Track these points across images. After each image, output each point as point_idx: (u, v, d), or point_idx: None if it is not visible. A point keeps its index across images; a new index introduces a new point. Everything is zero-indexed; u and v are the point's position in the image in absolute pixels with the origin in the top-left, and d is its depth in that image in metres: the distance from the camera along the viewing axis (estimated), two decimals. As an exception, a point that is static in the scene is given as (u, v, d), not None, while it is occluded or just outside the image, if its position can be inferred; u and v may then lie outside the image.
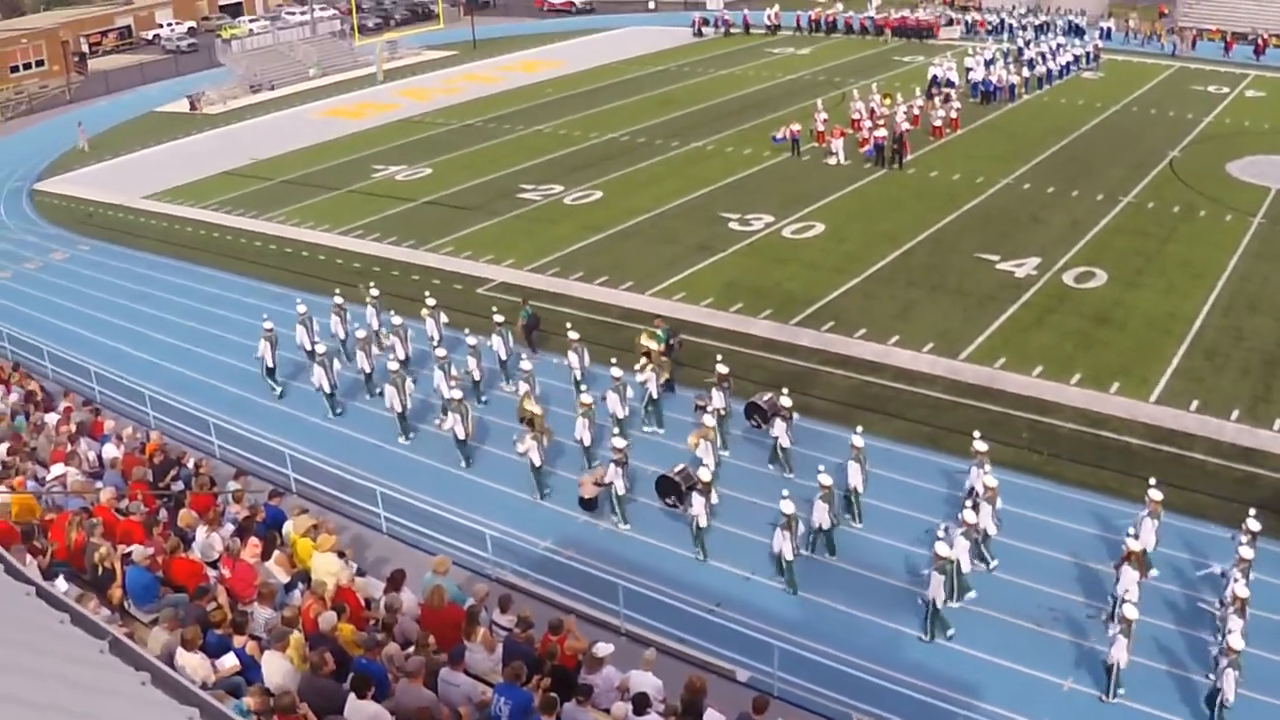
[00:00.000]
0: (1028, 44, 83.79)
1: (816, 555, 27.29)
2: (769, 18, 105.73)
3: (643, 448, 32.02)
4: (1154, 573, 25.42)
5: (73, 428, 30.63)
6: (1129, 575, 23.60)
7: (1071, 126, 63.79)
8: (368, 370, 36.77)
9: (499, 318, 36.95)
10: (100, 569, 21.00)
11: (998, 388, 34.44)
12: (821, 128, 61.74)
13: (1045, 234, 46.64)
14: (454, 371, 34.27)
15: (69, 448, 28.78)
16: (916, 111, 63.28)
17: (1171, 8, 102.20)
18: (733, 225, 50.11)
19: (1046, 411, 32.92)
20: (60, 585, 18.61)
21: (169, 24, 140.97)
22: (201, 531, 23.57)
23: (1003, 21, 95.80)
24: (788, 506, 25.68)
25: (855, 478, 28.17)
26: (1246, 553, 23.71)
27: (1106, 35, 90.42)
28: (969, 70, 73.89)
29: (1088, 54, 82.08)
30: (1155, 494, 25.62)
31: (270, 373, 37.87)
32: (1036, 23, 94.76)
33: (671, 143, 66.01)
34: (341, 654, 18.19)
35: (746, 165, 60.21)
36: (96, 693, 9.50)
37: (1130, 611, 22.07)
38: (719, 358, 33.43)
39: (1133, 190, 51.68)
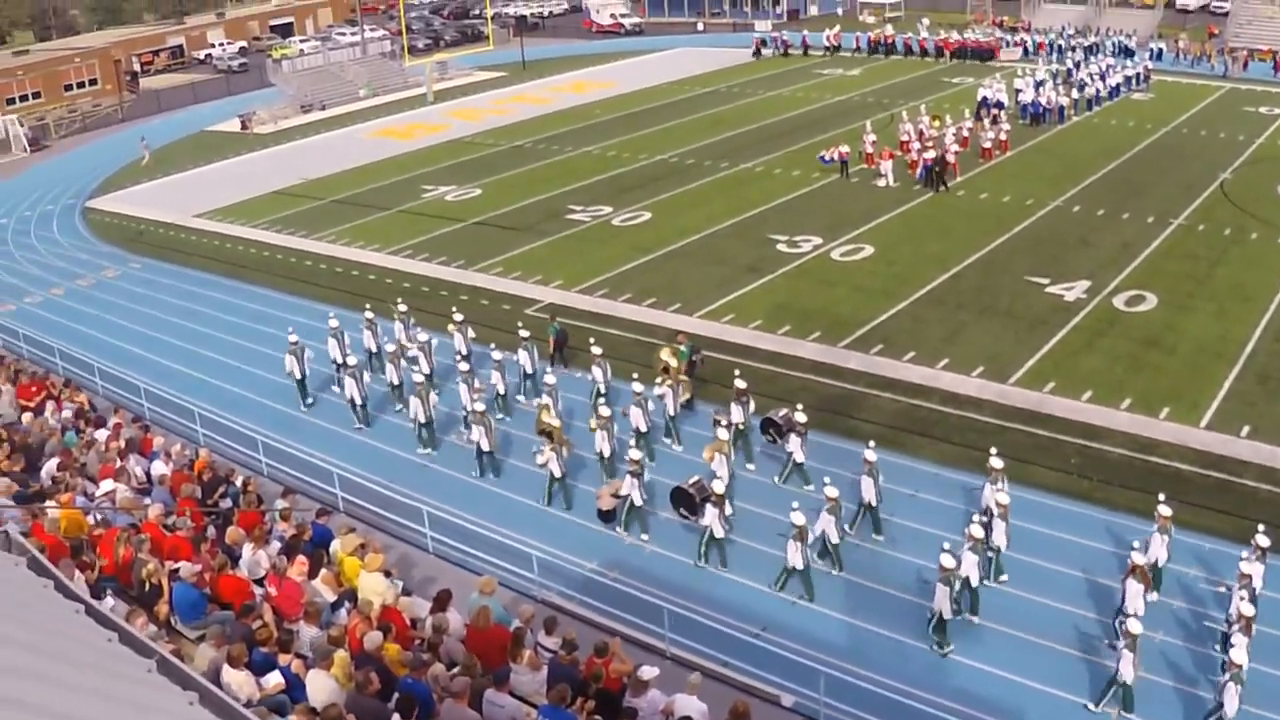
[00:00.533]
0: (1077, 65, 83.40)
1: (824, 567, 27.41)
2: (827, 39, 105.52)
3: (663, 461, 32.52)
4: (1153, 595, 25.15)
5: (122, 444, 30.90)
6: (1134, 589, 23.60)
7: (1121, 148, 63.46)
8: (396, 383, 37.27)
9: (525, 333, 37.67)
10: (147, 585, 21.18)
11: (1047, 412, 34.25)
12: (870, 149, 61.70)
13: (1095, 257, 46.40)
14: (477, 384, 34.72)
15: (118, 464, 29.04)
16: (966, 133, 63.21)
17: (1222, 28, 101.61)
18: (781, 247, 50.12)
19: (1096, 436, 32.70)
20: (108, 602, 18.79)
21: (220, 44, 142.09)
22: (248, 549, 23.73)
23: (1052, 43, 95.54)
24: (798, 518, 26.11)
25: (869, 492, 28.36)
26: (1249, 568, 23.51)
27: (1157, 56, 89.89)
28: (1018, 92, 73.66)
29: (1138, 75, 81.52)
30: (1164, 509, 25.57)
31: (301, 384, 38.56)
32: (1086, 44, 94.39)
33: (720, 164, 66.08)
34: (387, 674, 18.30)
35: (795, 187, 60.21)
36: (145, 711, 9.60)
37: (1134, 626, 21.96)
38: (737, 372, 33.81)
39: (1183, 212, 51.34)
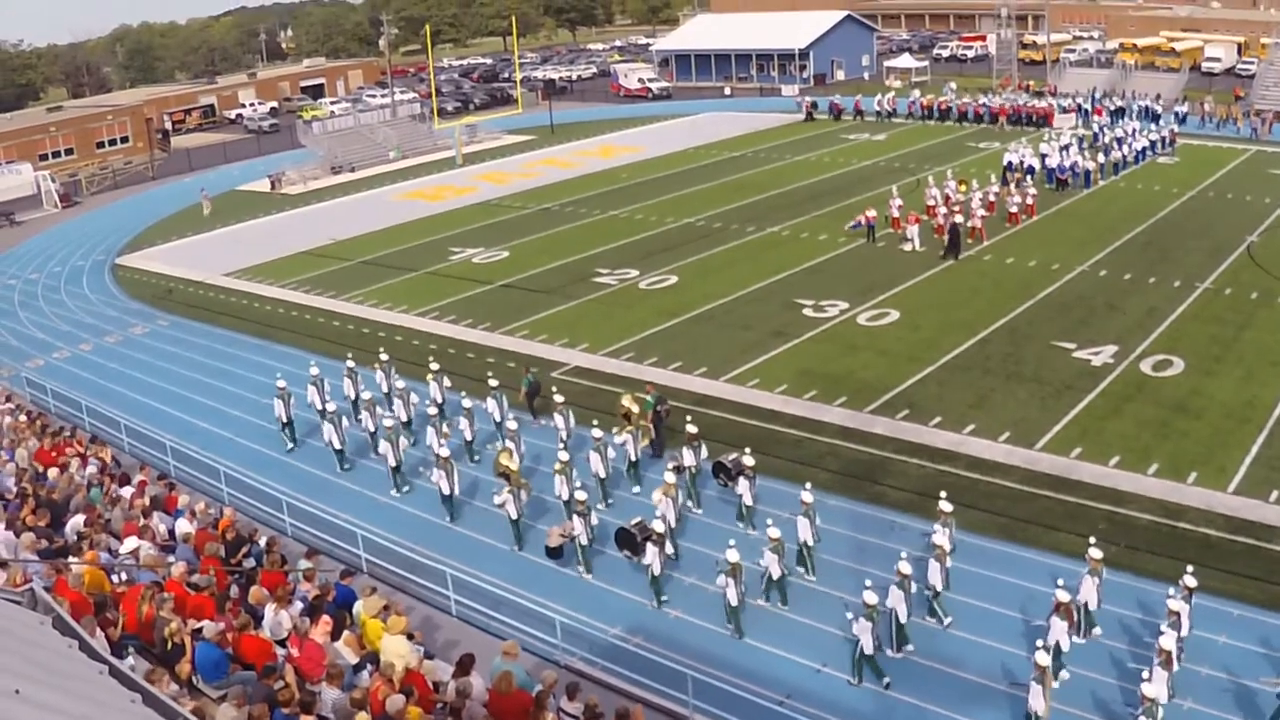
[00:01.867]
0: (1103, 129, 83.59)
1: (770, 604, 28.26)
2: (879, 104, 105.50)
3: (623, 506, 33.97)
4: (1097, 631, 25.92)
5: (147, 501, 30.96)
6: (1058, 626, 24.26)
7: (1148, 212, 63.44)
8: (371, 429, 38.45)
9: (494, 382, 39.16)
10: (170, 644, 21.16)
11: (1074, 478, 34.06)
12: (897, 214, 61.80)
13: (1122, 321, 46.30)
14: (445, 429, 35.92)
15: (142, 521, 29.09)
16: (992, 198, 63.30)
17: (1248, 90, 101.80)
18: (807, 311, 50.14)
19: (1123, 502, 32.49)
20: (129, 661, 18.80)
21: (251, 104, 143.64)
22: (271, 609, 23.68)
23: (1079, 106, 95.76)
24: (733, 555, 27.25)
25: (805, 532, 29.17)
26: (1175, 605, 24.10)
27: (1182, 119, 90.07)
28: (1044, 156, 73.80)
29: (1163, 138, 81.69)
30: (1095, 552, 26.46)
31: (286, 427, 40.28)
32: (1112, 108, 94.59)
33: (747, 228, 66.28)
34: (409, 737, 18.25)
35: (821, 251, 60.30)
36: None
37: (1042, 658, 22.44)
38: (689, 419, 35.68)
39: (1210, 276, 51.21)
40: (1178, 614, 23.95)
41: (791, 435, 38.11)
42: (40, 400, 46.21)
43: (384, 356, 43.12)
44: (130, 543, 27.67)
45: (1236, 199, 66.22)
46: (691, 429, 34.56)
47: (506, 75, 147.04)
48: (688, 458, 33.66)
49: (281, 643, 22.55)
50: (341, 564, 30.19)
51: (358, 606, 24.62)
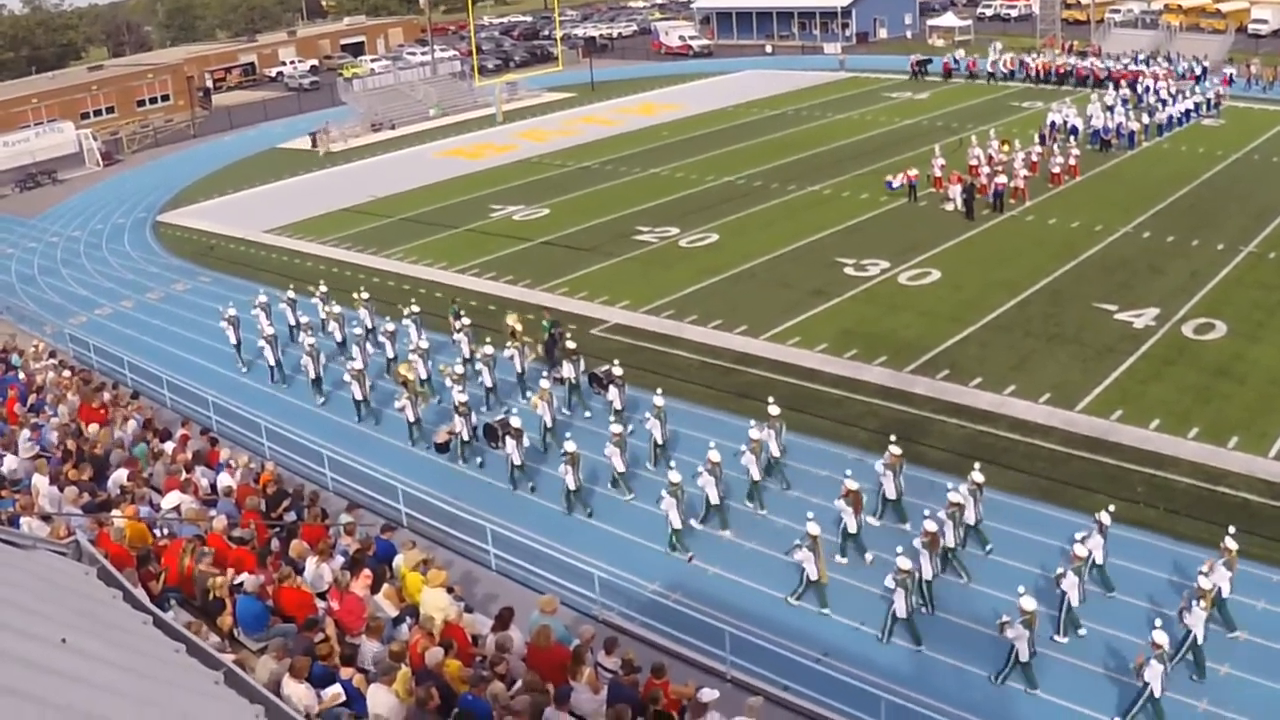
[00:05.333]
0: (1148, 90, 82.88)
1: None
2: (993, 65, 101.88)
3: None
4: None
5: (189, 456, 31.14)
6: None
7: (1192, 175, 62.85)
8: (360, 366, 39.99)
9: (466, 320, 42.21)
10: (212, 596, 21.31)
11: (1114, 440, 33.95)
12: (939, 173, 61.45)
13: (1164, 284, 46.00)
14: (411, 358, 40.07)
15: (184, 476, 29.26)
16: (1035, 158, 62.85)
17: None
18: (848, 270, 50.04)
19: (1163, 466, 32.36)
20: (171, 614, 18.95)
21: (292, 62, 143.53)
22: (312, 563, 23.81)
23: (1126, 68, 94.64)
24: (570, 446, 31.29)
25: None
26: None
27: (1229, 82, 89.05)
28: (1090, 117, 73.22)
29: (1209, 101, 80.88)
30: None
31: (238, 348, 44.83)
32: (1158, 70, 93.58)
33: (788, 186, 66.08)
34: (447, 690, 18.34)
35: (863, 210, 60.10)
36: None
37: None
38: (569, 334, 41.04)
39: (1254, 240, 50.73)
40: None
41: (831, 394, 38.07)
42: (83, 356, 46.49)
43: (365, 295, 45.84)
44: (172, 497, 27.84)
45: (1282, 162, 65.52)
46: (570, 344, 38.98)
47: (547, 33, 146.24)
48: (567, 369, 38.19)
49: (322, 596, 22.68)
50: (382, 518, 30.41)
51: (398, 560, 24.75)
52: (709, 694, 19.17)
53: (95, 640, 10.17)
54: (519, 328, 40.59)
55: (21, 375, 40.27)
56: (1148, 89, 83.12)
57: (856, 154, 73.61)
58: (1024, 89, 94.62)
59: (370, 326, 44.26)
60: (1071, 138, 69.34)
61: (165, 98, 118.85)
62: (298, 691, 17.33)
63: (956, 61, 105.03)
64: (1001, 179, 58.06)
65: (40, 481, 28.17)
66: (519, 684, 19.02)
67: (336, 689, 18.01)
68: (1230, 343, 40.29)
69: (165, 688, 9.93)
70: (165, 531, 25.47)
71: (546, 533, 30.79)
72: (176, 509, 27.02)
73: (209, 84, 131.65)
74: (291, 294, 47.35)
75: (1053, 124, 71.96)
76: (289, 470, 34.15)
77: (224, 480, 29.86)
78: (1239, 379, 37.58)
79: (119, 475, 29.40)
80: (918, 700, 23.15)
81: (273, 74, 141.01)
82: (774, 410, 32.65)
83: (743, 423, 33.66)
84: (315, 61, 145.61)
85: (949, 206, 58.50)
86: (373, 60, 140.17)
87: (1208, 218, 54.61)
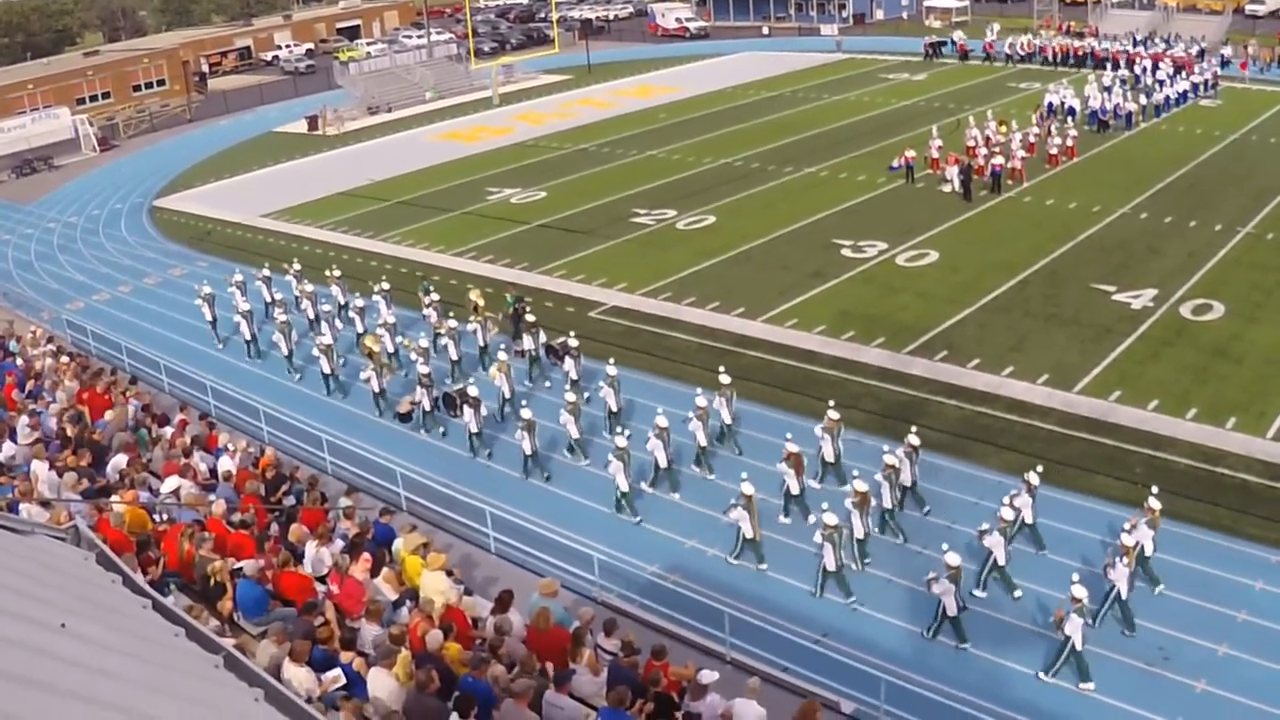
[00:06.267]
0: (1145, 71, 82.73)
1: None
2: (1011, 47, 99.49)
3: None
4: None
5: (188, 441, 31.14)
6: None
7: (1189, 156, 62.78)
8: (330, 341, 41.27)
9: (435, 295, 44.03)
10: (212, 581, 21.31)
11: (1112, 421, 33.95)
12: (936, 155, 61.39)
13: (1162, 265, 45.98)
14: (379, 330, 41.68)
15: (183, 461, 29.26)
16: (1033, 139, 62.82)
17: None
18: (846, 252, 50.01)
19: (1161, 446, 32.38)
20: (171, 598, 18.95)
21: (288, 45, 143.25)
22: (311, 547, 23.83)
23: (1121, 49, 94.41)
24: (527, 414, 32.89)
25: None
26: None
27: (1225, 63, 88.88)
28: (1087, 98, 73.13)
29: (1206, 81, 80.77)
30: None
31: (213, 325, 46.16)
32: (1155, 50, 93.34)
33: (785, 168, 66.01)
34: (448, 673, 18.36)
35: (860, 192, 60.06)
36: (215, 708, 9.70)
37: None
38: (528, 308, 41.74)
39: (1251, 221, 50.67)
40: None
41: (830, 376, 38.08)
42: (81, 342, 46.47)
43: (337, 273, 47.40)
44: (171, 482, 27.85)
45: (1279, 143, 65.45)
46: (530, 318, 40.16)
47: (543, 15, 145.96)
48: (527, 342, 39.67)
49: (322, 580, 22.71)
50: (381, 502, 30.43)
51: (397, 544, 24.78)
52: (709, 675, 19.20)
53: (95, 625, 10.17)
54: (481, 302, 42.14)
55: (20, 361, 40.23)
56: (1145, 69, 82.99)
57: (854, 135, 73.51)
58: (1022, 70, 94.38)
59: (342, 303, 45.67)
60: (1069, 119, 69.25)
61: (161, 83, 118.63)
62: (298, 675, 17.34)
63: (976, 45, 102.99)
64: (999, 160, 58.03)
65: (39, 467, 28.16)
66: (519, 667, 19.05)
67: (336, 672, 18.02)
68: (1228, 323, 40.29)
69: (165, 672, 9.94)
70: (164, 517, 25.45)
71: (545, 515, 30.84)
72: (176, 494, 27.04)
73: (205, 68, 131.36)
74: (267, 271, 48.41)
75: (1049, 105, 71.86)
76: (288, 454, 34.16)
77: (223, 465, 29.87)
78: (1237, 360, 37.60)
79: (118, 460, 29.39)
80: (917, 681, 23.17)
81: (268, 58, 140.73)
82: (725, 379, 33.80)
83: (740, 406, 34.02)
84: (311, 45, 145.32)
85: (946, 188, 58.50)
86: (369, 43, 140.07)
87: (1205, 199, 54.57)
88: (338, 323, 44.00)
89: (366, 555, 23.18)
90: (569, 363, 37.45)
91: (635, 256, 52.16)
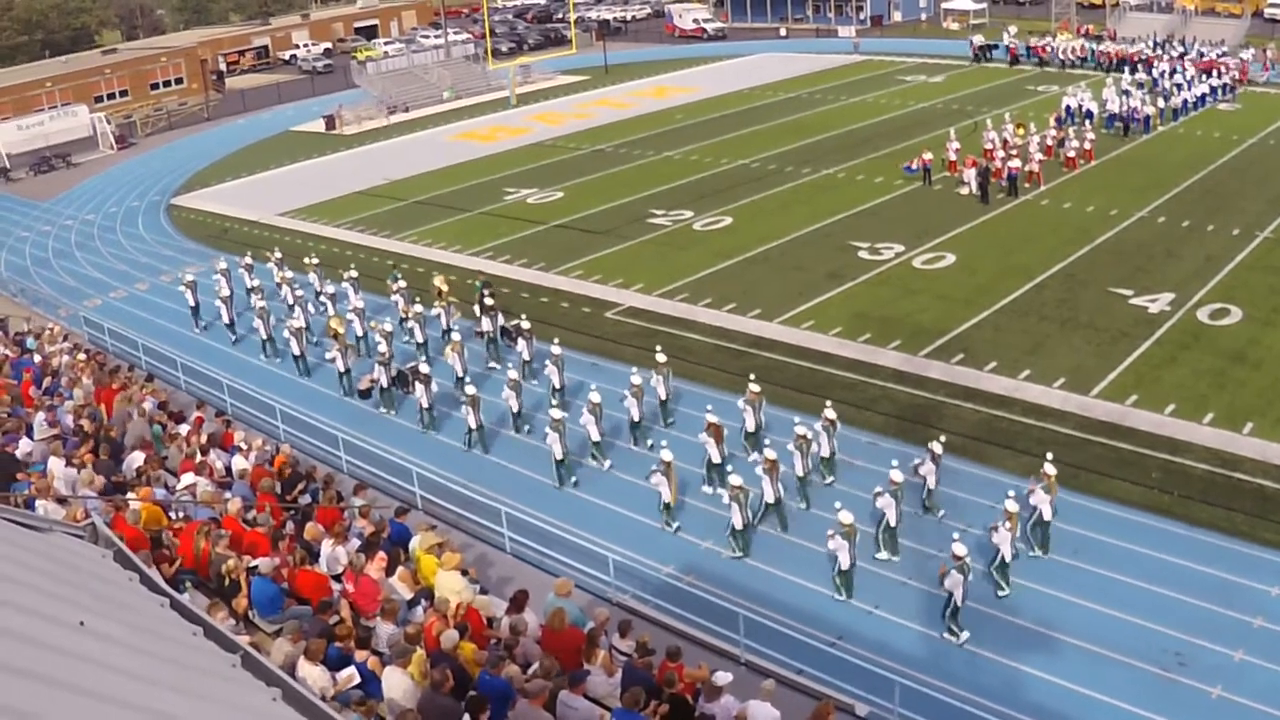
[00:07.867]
0: (1164, 75, 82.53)
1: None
2: (1062, 52, 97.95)
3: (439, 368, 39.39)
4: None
5: (203, 438, 31.18)
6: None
7: (1207, 159, 62.60)
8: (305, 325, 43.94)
9: (402, 283, 45.77)
10: (227, 579, 21.33)
11: (1129, 425, 33.88)
12: (954, 157, 61.30)
13: (1180, 269, 45.85)
14: (333, 311, 45.35)
15: (199, 458, 29.30)
16: (1050, 142, 62.72)
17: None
18: (863, 254, 49.97)
19: (1178, 451, 32.30)
20: (187, 596, 18.95)
21: (305, 45, 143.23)
22: (327, 545, 23.84)
23: (1139, 53, 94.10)
24: (471, 389, 35.09)
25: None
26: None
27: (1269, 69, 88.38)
28: (1105, 101, 72.96)
29: (1224, 85, 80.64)
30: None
31: (194, 310, 48.36)
32: (1174, 54, 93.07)
33: (802, 170, 65.95)
34: (462, 673, 18.36)
35: (877, 194, 59.99)
36: (233, 708, 9.71)
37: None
38: (488, 291, 43.73)
39: (1270, 225, 50.47)
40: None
41: (846, 378, 38.05)
42: (98, 339, 46.56)
43: (354, 274, 47.70)
44: (187, 479, 27.89)
45: (1299, 147, 65.23)
46: (489, 300, 42.65)
47: (561, 15, 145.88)
48: (485, 324, 42.02)
49: (337, 578, 22.73)
50: (397, 500, 30.44)
51: (413, 542, 24.79)
52: (723, 677, 19.20)
53: (113, 623, 10.17)
54: (445, 288, 44.67)
55: (37, 358, 40.29)
56: (1163, 73, 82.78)
57: (871, 137, 73.43)
58: (1039, 73, 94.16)
59: (319, 290, 48.64)
60: (1087, 121, 69.12)
61: (179, 81, 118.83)
62: (313, 674, 17.35)
63: (1028, 50, 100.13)
64: (1016, 163, 57.88)
65: (56, 464, 28.18)
66: (534, 667, 19.05)
67: (351, 671, 18.03)
68: (1245, 328, 40.18)
69: (184, 671, 9.94)
70: (180, 514, 25.50)
71: (561, 516, 30.81)
72: (191, 490, 27.08)
73: (222, 67, 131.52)
74: (249, 259, 50.24)
75: (1067, 108, 71.73)
76: (304, 453, 34.20)
77: (239, 463, 29.89)
78: (1254, 364, 37.48)
79: (134, 458, 29.44)
80: (932, 685, 23.15)
81: (286, 57, 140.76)
82: (661, 358, 36.07)
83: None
84: (329, 44, 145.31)
85: (964, 190, 58.37)
86: (386, 43, 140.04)
87: (1223, 202, 54.42)
88: (311, 308, 46.05)
89: (382, 554, 23.18)
90: (521, 344, 39.97)
91: (652, 257, 52.12)
